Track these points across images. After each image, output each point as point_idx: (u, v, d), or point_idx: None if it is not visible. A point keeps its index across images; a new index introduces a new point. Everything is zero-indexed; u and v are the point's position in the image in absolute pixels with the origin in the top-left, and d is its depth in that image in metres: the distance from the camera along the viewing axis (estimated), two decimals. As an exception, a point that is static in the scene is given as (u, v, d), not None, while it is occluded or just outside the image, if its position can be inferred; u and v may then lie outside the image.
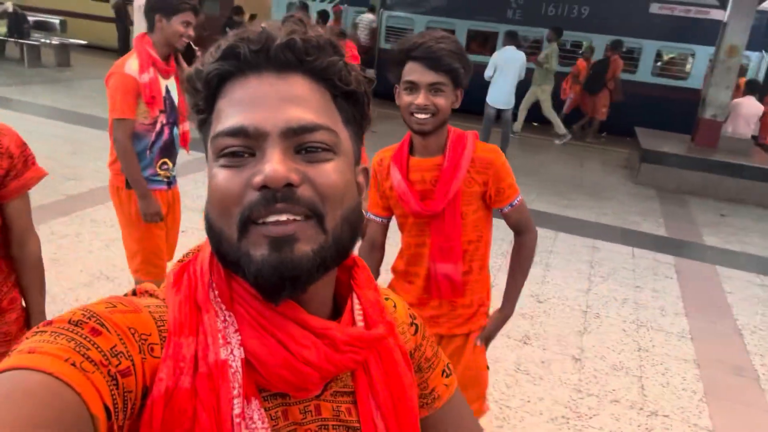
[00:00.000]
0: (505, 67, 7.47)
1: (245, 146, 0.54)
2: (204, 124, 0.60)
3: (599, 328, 3.66)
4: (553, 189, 6.64)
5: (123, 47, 13.56)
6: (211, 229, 0.57)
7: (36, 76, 10.23)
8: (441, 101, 1.58)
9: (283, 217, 0.52)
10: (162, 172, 2.65)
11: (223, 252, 0.56)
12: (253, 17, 11.61)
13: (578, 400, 2.93)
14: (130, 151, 2.49)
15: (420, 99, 1.56)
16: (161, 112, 2.54)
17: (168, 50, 2.55)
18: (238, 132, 0.54)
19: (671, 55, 10.75)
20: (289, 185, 0.52)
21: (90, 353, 0.47)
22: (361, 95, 0.61)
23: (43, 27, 12.54)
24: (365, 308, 0.64)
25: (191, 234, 4.14)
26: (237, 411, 0.53)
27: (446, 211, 1.69)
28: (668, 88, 10.06)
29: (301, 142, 0.55)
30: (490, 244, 1.87)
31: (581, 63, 9.67)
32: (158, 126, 2.57)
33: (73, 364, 0.45)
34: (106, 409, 0.46)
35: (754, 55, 9.79)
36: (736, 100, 7.76)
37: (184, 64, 2.72)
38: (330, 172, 0.55)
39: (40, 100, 8.04)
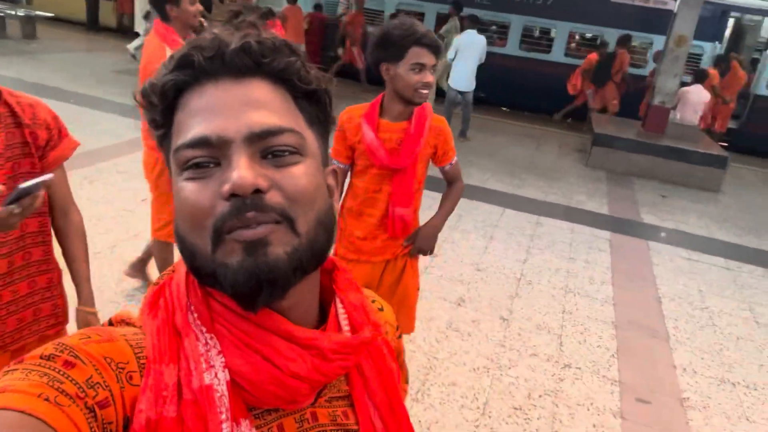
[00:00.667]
0: (466, 50, 7.69)
1: (209, 156, 0.53)
2: (164, 139, 0.58)
3: (530, 293, 3.97)
4: (507, 169, 6.94)
5: (91, 20, 13.41)
6: (183, 245, 0.55)
7: (0, 47, 10.12)
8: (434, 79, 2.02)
9: (251, 225, 0.51)
10: None
11: (198, 266, 0.54)
12: None
13: (500, 353, 3.23)
14: None
15: (429, 77, 1.97)
16: None
17: (188, 33, 2.71)
18: (200, 142, 0.52)
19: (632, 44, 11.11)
20: (258, 191, 0.51)
21: (64, 386, 0.46)
22: (322, 94, 0.60)
23: (8, -2, 12.34)
24: (349, 312, 0.63)
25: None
26: None
27: (408, 166, 2.11)
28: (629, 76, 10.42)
29: (266, 147, 0.53)
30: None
31: (593, 56, 9.69)
32: None
33: (47, 399, 0.44)
34: None
35: (707, 46, 10.19)
36: (684, 88, 8.13)
37: None
38: (299, 175, 0.54)
39: (4, 71, 8.02)
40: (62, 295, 1.60)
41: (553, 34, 11.10)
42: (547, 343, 3.40)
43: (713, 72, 8.79)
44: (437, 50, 1.97)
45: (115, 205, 4.33)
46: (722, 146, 8.49)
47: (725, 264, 4.99)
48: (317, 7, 11.74)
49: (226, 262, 0.51)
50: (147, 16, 9.85)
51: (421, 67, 1.96)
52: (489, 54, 7.99)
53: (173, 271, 0.61)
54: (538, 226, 5.27)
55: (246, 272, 0.51)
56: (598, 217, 5.77)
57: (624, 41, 9.67)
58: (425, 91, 1.98)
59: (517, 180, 6.62)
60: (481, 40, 7.77)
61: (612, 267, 4.59)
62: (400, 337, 0.79)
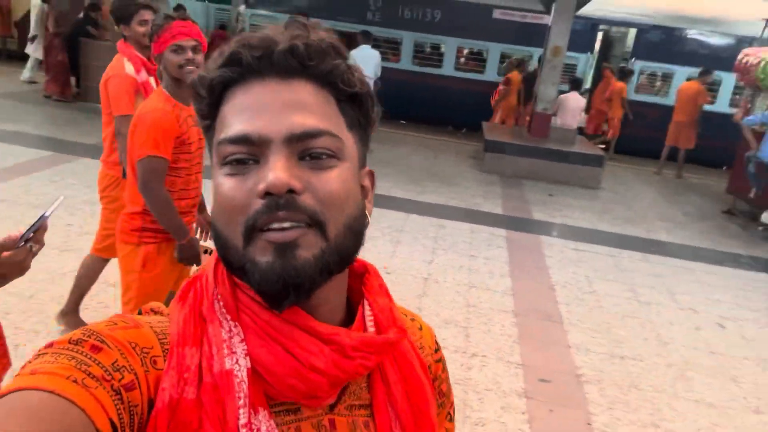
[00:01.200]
0: (361, 64, 7.85)
1: (249, 153, 0.54)
2: (208, 130, 0.60)
3: (436, 291, 4.13)
4: (409, 178, 7.16)
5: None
6: (218, 237, 0.57)
7: None
8: None
9: (286, 224, 0.52)
10: None
11: (230, 259, 0.56)
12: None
13: (412, 350, 3.33)
14: None
15: (190, 55, 2.11)
16: None
17: (144, 50, 2.81)
18: (241, 139, 0.54)
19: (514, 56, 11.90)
20: (291, 192, 0.52)
21: (91, 369, 0.47)
22: (365, 97, 0.60)
23: None
24: (376, 314, 0.63)
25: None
26: (243, 421, 0.53)
27: None
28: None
29: (305, 148, 0.54)
30: None
31: (515, 76, 9.96)
32: None
33: (75, 381, 0.46)
34: (112, 424, 0.46)
35: (581, 56, 11.14)
36: (562, 95, 8.84)
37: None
38: (332, 180, 0.55)
39: None
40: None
41: (443, 49, 11.64)
42: (454, 335, 3.55)
43: (622, 84, 9.73)
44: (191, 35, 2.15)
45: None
46: (601, 147, 9.30)
47: (608, 252, 5.47)
48: (222, 27, 11.59)
49: (256, 260, 0.53)
50: (33, 39, 9.27)
51: (180, 50, 2.15)
52: (385, 69, 8.25)
53: (204, 268, 0.63)
54: (441, 228, 5.49)
55: (275, 274, 0.52)
56: (495, 217, 6.10)
57: (624, 73, 10.26)
58: (188, 71, 2.17)
59: (419, 187, 6.85)
60: (375, 54, 7.99)
61: (509, 261, 4.88)
62: (439, 361, 0.74)
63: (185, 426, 0.51)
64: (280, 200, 0.52)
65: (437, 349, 0.74)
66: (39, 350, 0.50)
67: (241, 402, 0.53)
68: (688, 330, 4.08)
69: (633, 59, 11.24)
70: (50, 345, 0.50)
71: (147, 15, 2.81)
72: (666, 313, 4.30)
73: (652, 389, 3.28)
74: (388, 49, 11.45)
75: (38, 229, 1.20)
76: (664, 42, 10.94)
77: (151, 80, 2.84)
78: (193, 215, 2.40)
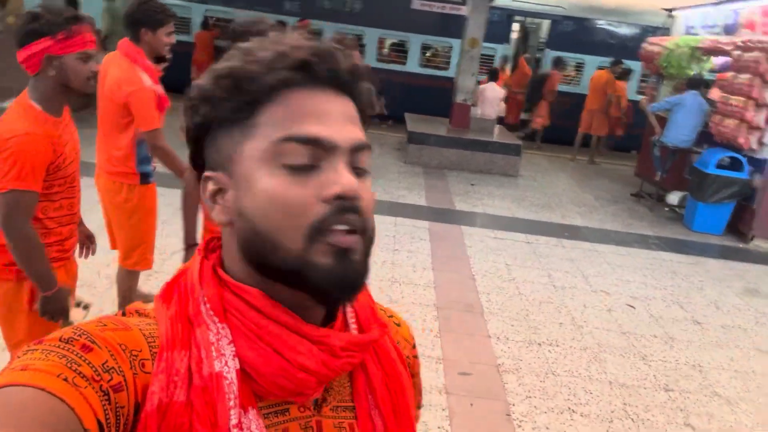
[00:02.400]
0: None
1: (312, 156, 0.55)
2: (230, 124, 0.58)
3: (358, 288, 4.06)
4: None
5: None
6: (259, 241, 0.56)
7: None
8: None
9: (346, 227, 0.55)
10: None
11: (275, 263, 0.55)
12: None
13: (332, 352, 3.25)
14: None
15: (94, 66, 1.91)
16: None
17: (154, 60, 2.77)
18: (312, 141, 0.55)
19: (434, 47, 12.01)
20: (357, 198, 0.56)
21: (82, 369, 0.48)
22: (371, 119, 0.65)
23: None
24: (357, 311, 0.66)
25: None
26: (234, 422, 0.54)
27: None
28: (433, 78, 11.23)
29: (356, 160, 0.58)
30: None
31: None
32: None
33: (66, 380, 0.46)
34: (99, 424, 0.46)
35: (498, 47, 11.37)
36: (481, 86, 8.98)
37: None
38: (371, 195, 0.60)
39: None
40: None
41: (364, 40, 11.54)
42: (375, 334, 3.50)
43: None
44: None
45: None
46: (519, 136, 9.54)
47: (525, 239, 5.60)
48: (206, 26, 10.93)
49: (317, 262, 0.54)
50: None
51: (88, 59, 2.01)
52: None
53: (186, 268, 0.63)
54: (363, 223, 5.43)
55: (338, 276, 0.55)
56: (418, 209, 6.11)
57: (557, 63, 10.45)
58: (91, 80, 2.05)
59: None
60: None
61: (432, 253, 4.89)
62: (416, 357, 0.79)
63: (176, 428, 0.52)
64: (347, 204, 0.55)
65: (414, 345, 0.80)
66: (29, 345, 0.50)
67: (231, 403, 0.54)
68: (600, 312, 4.23)
69: (546, 50, 11.60)
70: (40, 342, 0.50)
71: (172, 27, 2.78)
72: (580, 296, 4.45)
73: (567, 374, 3.37)
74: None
75: None
76: (575, 32, 11.35)
77: (159, 88, 2.77)
78: (76, 236, 2.16)
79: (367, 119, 0.63)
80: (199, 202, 2.22)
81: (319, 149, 0.55)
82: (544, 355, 3.53)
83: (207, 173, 0.61)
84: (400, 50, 11.69)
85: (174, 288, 0.61)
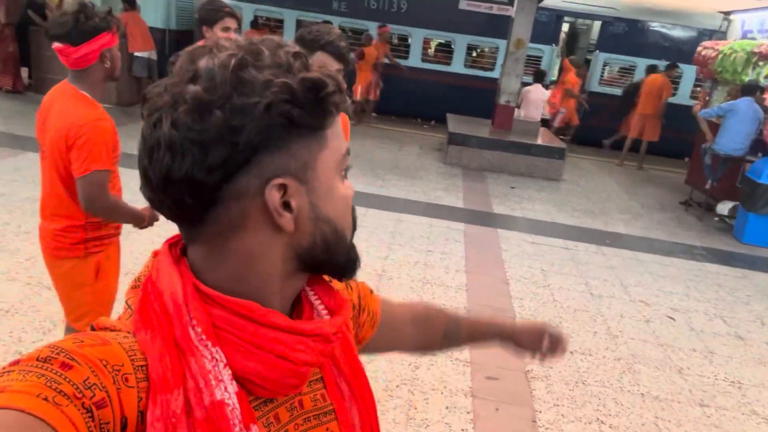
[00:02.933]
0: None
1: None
2: (308, 134, 0.58)
3: (390, 288, 4.09)
4: (371, 171, 7.10)
5: None
6: (339, 243, 0.63)
7: None
8: None
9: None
10: None
11: (343, 259, 0.64)
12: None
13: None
14: None
15: None
16: None
17: None
18: (348, 152, 0.65)
19: (480, 48, 11.90)
20: None
21: (62, 387, 0.47)
22: None
23: None
24: (320, 294, 0.69)
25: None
26: None
27: None
28: (477, 78, 11.14)
29: None
30: None
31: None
32: None
33: (46, 399, 0.45)
34: None
35: (546, 48, 11.18)
36: (526, 88, 8.85)
37: None
38: None
39: None
40: None
41: (410, 40, 11.55)
42: (404, 334, 3.52)
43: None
44: (341, 57, 2.05)
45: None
46: (562, 138, 9.35)
47: (564, 244, 5.50)
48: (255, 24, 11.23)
49: (355, 249, 0.66)
50: None
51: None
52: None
53: (149, 270, 0.62)
54: (399, 223, 5.45)
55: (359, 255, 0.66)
56: (454, 210, 6.09)
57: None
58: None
59: (381, 180, 6.80)
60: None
61: (465, 256, 4.87)
62: (353, 289, 0.87)
63: None
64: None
65: (347, 285, 0.85)
66: (3, 368, 0.48)
67: (237, 429, 0.55)
68: (637, 322, 4.12)
69: (597, 51, 11.32)
70: (16, 362, 0.49)
71: (231, 23, 2.90)
72: (617, 305, 4.34)
73: (598, 384, 3.30)
74: (355, 40, 11.32)
75: None
76: (627, 34, 11.03)
77: None
78: None
79: None
80: None
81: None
82: (575, 364, 3.47)
83: (280, 180, 0.56)
84: (445, 51, 11.65)
85: (150, 308, 0.58)
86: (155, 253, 0.63)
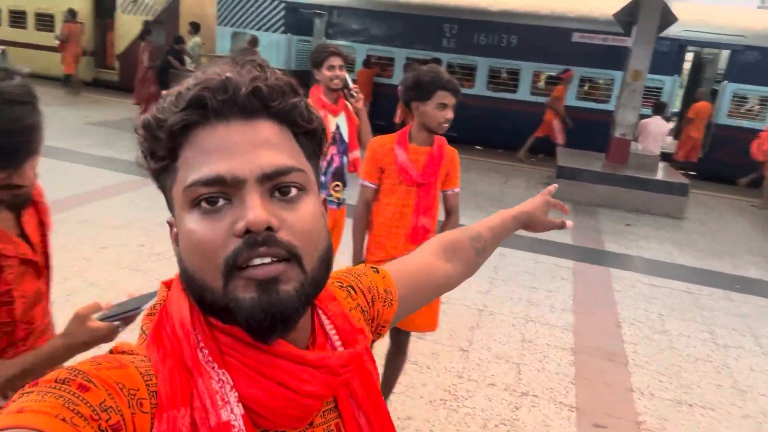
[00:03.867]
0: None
1: (222, 193, 0.55)
2: (164, 172, 0.59)
3: (491, 323, 4.00)
4: (474, 204, 7.05)
5: (67, 76, 13.58)
6: (191, 281, 0.57)
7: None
8: None
9: (267, 260, 0.54)
10: (334, 193, 3.22)
11: (208, 302, 0.56)
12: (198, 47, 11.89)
13: (458, 384, 3.23)
14: None
15: (450, 114, 2.39)
16: (331, 144, 3.10)
17: (331, 93, 3.10)
18: (215, 181, 0.55)
19: (594, 80, 11.51)
20: (270, 229, 0.54)
21: (80, 408, 0.47)
22: (320, 131, 0.64)
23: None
24: (334, 322, 0.67)
25: (113, 250, 4.31)
26: None
27: (431, 181, 2.52)
28: (589, 111, 10.76)
29: (275, 185, 0.57)
30: None
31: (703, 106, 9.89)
32: (329, 155, 3.15)
33: (64, 420, 0.46)
34: None
35: (667, 79, 10.58)
36: (645, 120, 8.41)
37: (353, 101, 3.25)
38: (305, 216, 0.58)
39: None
40: None
41: (520, 74, 11.42)
42: (505, 372, 3.41)
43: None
44: (457, 92, 2.37)
45: (73, 254, 4.33)
46: (686, 174, 8.72)
47: (686, 288, 5.08)
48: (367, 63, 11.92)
49: (238, 297, 0.54)
50: None
51: (444, 107, 2.37)
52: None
53: (164, 301, 0.63)
54: (502, 257, 5.33)
55: (261, 310, 0.54)
56: (562, 247, 5.86)
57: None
58: (447, 125, 2.42)
59: (484, 214, 6.72)
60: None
61: (573, 294, 4.65)
62: (354, 294, 0.81)
63: None
64: (258, 237, 0.53)
65: (347, 291, 0.79)
66: (23, 389, 0.49)
67: None
68: (772, 379, 3.68)
69: (725, 82, 10.52)
70: (35, 384, 0.50)
71: (335, 61, 3.06)
72: (747, 357, 3.92)
73: (723, 443, 2.98)
74: (463, 75, 11.43)
75: (129, 318, 1.20)
76: (760, 63, 10.16)
77: (336, 120, 3.08)
78: None
79: (310, 133, 0.63)
80: (368, 224, 2.62)
81: (226, 186, 0.55)
82: (694, 418, 3.16)
83: (168, 219, 0.62)
84: (555, 83, 11.40)
85: (162, 331, 0.59)
86: (165, 284, 0.65)
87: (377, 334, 0.84)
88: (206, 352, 0.57)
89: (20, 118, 1.11)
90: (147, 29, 9.98)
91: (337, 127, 3.15)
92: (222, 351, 0.57)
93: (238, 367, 0.56)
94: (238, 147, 0.56)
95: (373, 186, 2.56)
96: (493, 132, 11.14)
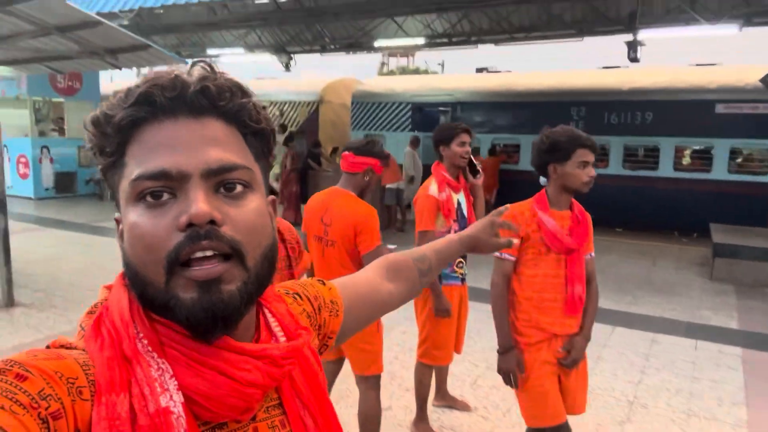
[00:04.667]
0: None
1: (167, 187, 0.56)
2: (112, 168, 0.60)
3: (644, 418, 3.54)
4: (617, 287, 6.52)
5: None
6: (135, 276, 0.57)
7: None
8: None
9: (209, 253, 0.54)
10: (458, 270, 3.18)
11: (150, 297, 0.56)
12: (335, 150, 12.90)
13: (608, 485, 2.84)
14: None
15: (593, 172, 2.28)
16: (454, 221, 3.10)
17: (455, 170, 3.14)
18: (160, 175, 0.55)
19: (747, 151, 10.51)
20: (213, 223, 0.55)
21: (18, 397, 0.47)
22: (267, 131, 0.65)
23: None
24: (280, 321, 0.68)
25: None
26: None
27: (581, 247, 2.33)
28: (745, 184, 9.75)
29: (220, 181, 0.58)
30: None
31: None
32: (452, 231, 3.11)
33: (2, 408, 0.45)
34: None
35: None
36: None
37: (471, 177, 3.24)
38: (249, 212, 0.59)
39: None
40: None
41: (659, 151, 10.72)
42: (665, 473, 2.95)
43: None
44: (596, 150, 2.27)
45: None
46: None
47: None
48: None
49: (179, 296, 0.55)
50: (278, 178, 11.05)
51: (585, 164, 2.26)
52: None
53: (106, 299, 0.63)
54: (654, 344, 4.80)
55: (202, 309, 0.55)
56: (726, 332, 5.14)
57: None
58: (591, 183, 2.29)
59: (630, 297, 6.18)
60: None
61: (745, 386, 4.00)
62: (301, 300, 0.83)
63: None
64: (201, 231, 0.54)
65: (294, 297, 0.81)
66: None
67: None
68: None
69: None
70: None
71: (465, 137, 3.10)
72: None
73: None
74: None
75: None
76: None
77: (455, 197, 3.10)
78: None
79: (259, 134, 0.63)
80: (507, 302, 2.38)
81: (171, 180, 0.56)
82: None
83: (116, 216, 0.63)
84: (703, 157, 10.56)
85: (102, 325, 0.59)
86: (106, 287, 0.65)
87: (324, 345, 0.84)
88: (145, 342, 0.57)
89: None
90: (290, 137, 11.06)
91: (459, 204, 3.13)
92: (162, 342, 0.57)
93: (178, 358, 0.56)
94: (184, 142, 0.57)
95: (512, 258, 2.35)
96: (633, 212, 10.45)
